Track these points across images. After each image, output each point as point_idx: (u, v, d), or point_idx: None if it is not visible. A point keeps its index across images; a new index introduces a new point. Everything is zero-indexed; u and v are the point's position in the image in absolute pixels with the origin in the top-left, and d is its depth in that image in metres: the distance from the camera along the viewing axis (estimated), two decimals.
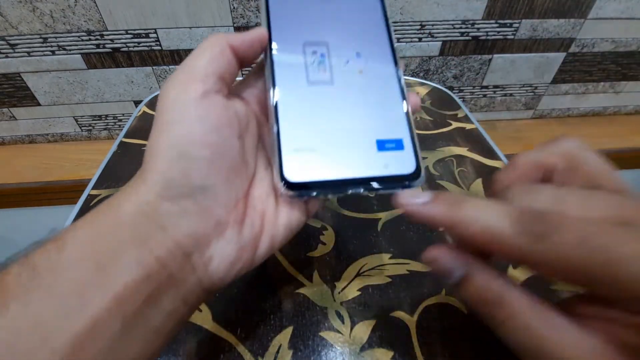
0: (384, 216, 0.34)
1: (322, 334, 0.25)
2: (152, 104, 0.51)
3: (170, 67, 0.64)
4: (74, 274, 0.14)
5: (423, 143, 0.44)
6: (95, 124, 0.72)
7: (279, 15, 0.22)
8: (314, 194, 0.19)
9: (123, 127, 0.52)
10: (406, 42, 0.65)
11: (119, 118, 0.71)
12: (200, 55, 0.18)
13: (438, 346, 0.25)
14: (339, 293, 0.28)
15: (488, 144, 0.44)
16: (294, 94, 0.21)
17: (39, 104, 0.67)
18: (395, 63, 0.23)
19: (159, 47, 0.61)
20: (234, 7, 0.58)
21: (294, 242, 0.26)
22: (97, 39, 0.59)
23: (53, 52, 0.60)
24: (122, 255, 0.15)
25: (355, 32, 0.23)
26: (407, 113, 0.22)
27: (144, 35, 0.60)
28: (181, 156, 0.17)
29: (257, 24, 0.60)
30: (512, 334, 0.16)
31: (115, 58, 0.62)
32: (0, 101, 0.66)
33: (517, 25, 0.64)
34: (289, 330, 0.25)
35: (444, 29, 0.64)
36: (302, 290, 0.28)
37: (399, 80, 0.23)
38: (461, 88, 0.73)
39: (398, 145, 0.21)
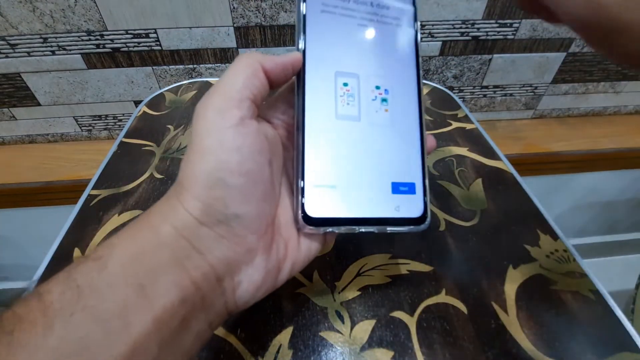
0: None
1: (322, 334, 0.25)
2: (152, 104, 0.51)
3: (170, 67, 0.64)
4: (116, 295, 0.14)
5: None
6: (95, 124, 0.72)
7: (315, 38, 0.22)
8: (329, 229, 0.20)
9: (123, 127, 0.52)
10: None
11: (119, 118, 0.71)
12: (236, 77, 0.19)
13: (438, 346, 0.25)
14: (339, 293, 0.28)
15: (488, 144, 0.44)
16: (321, 127, 0.21)
17: (39, 104, 0.67)
18: (420, 104, 0.23)
19: (159, 47, 0.61)
20: (234, 7, 0.58)
21: None
22: (97, 39, 0.59)
23: (53, 52, 0.60)
24: (161, 276, 0.15)
25: (387, 65, 0.23)
26: (422, 157, 0.23)
27: (144, 35, 0.60)
28: (218, 184, 0.17)
29: (257, 24, 0.60)
30: None
31: (115, 58, 0.62)
32: (0, 101, 0.66)
33: (517, 25, 0.64)
34: (289, 330, 0.25)
35: (444, 29, 0.64)
36: (302, 290, 0.28)
37: (421, 122, 0.23)
38: (461, 88, 0.73)
39: (410, 189, 0.22)
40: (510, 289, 0.29)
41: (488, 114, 0.79)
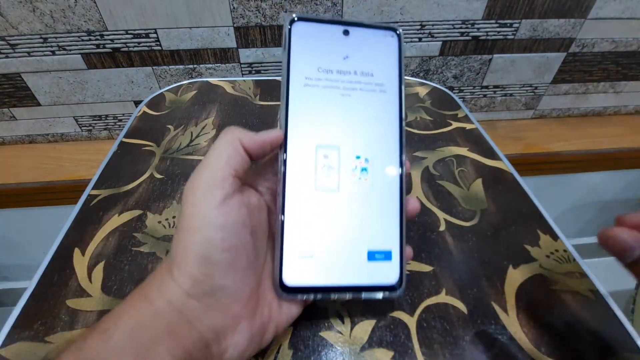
0: None
1: (322, 334, 0.25)
2: (152, 104, 0.51)
3: (170, 67, 0.64)
4: None
5: (423, 143, 0.44)
6: (95, 124, 0.72)
7: (297, 113, 0.22)
8: (304, 296, 0.22)
9: (123, 127, 0.52)
10: (406, 42, 0.65)
11: (119, 118, 0.71)
12: (219, 157, 0.21)
13: (438, 346, 0.25)
14: None
15: (488, 144, 0.44)
16: (300, 199, 0.22)
17: (39, 104, 0.67)
18: (402, 169, 0.24)
19: (159, 47, 0.61)
20: (234, 7, 0.58)
21: None
22: (97, 39, 0.59)
23: (53, 52, 0.60)
24: (157, 346, 0.17)
25: (369, 133, 0.23)
26: (401, 224, 0.23)
27: (144, 35, 0.60)
28: (205, 261, 0.19)
29: (257, 24, 0.60)
30: None
31: (115, 58, 0.62)
32: (0, 101, 0.66)
33: (517, 25, 0.64)
34: (289, 330, 0.25)
35: (444, 29, 0.64)
36: None
37: (401, 188, 0.23)
38: (461, 88, 0.73)
39: (387, 256, 0.23)
40: (510, 289, 0.29)
41: (488, 114, 0.79)
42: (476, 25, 0.64)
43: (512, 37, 0.66)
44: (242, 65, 0.66)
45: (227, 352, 0.19)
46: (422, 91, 0.55)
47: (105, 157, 0.42)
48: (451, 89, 0.73)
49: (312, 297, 0.22)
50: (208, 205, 0.19)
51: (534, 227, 0.34)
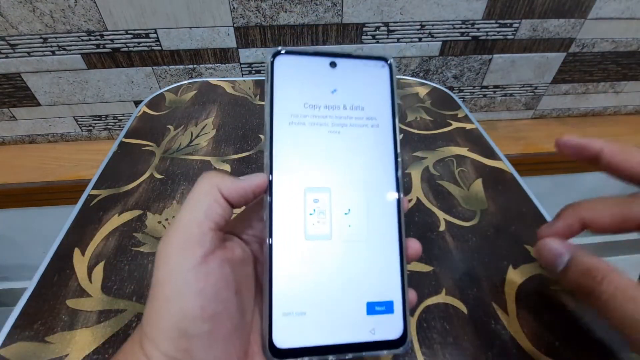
0: None
1: None
2: (152, 104, 0.51)
3: (170, 67, 0.64)
4: None
5: (423, 143, 0.44)
6: (95, 124, 0.72)
7: (283, 154, 0.20)
8: (299, 359, 0.19)
9: (123, 127, 0.52)
10: (406, 42, 0.65)
11: (119, 118, 0.71)
12: (196, 209, 0.18)
13: (438, 346, 0.25)
14: None
15: (488, 144, 0.44)
16: (289, 250, 0.20)
17: (39, 104, 0.67)
18: (399, 209, 0.21)
19: (159, 47, 0.61)
20: (234, 7, 0.58)
21: None
22: (97, 39, 0.59)
23: (53, 52, 0.60)
24: None
25: (362, 173, 0.21)
26: (402, 270, 0.21)
27: (144, 35, 0.60)
28: (182, 335, 0.16)
29: (257, 24, 0.60)
30: (619, 306, 0.18)
31: (115, 58, 0.62)
32: (0, 101, 0.66)
33: (517, 25, 0.64)
34: None
35: (444, 29, 0.64)
36: None
37: (400, 230, 0.21)
38: (461, 88, 0.73)
39: (388, 308, 0.20)
40: (510, 289, 0.29)
41: (488, 114, 0.79)
42: (476, 25, 0.64)
43: (512, 37, 0.66)
44: (242, 65, 0.66)
45: None
46: (422, 91, 0.55)
47: (105, 157, 0.42)
48: (451, 89, 0.73)
49: (306, 357, 0.19)
50: (184, 268, 0.17)
51: (534, 227, 0.34)
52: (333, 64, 0.22)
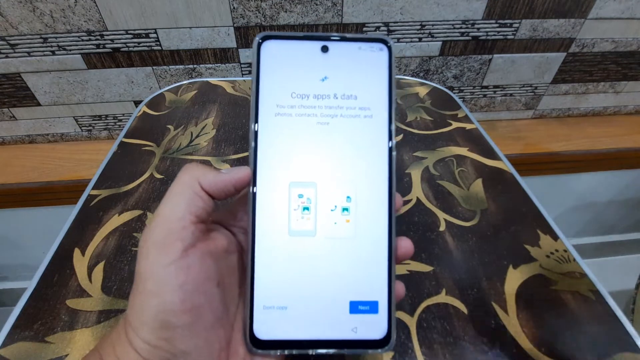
0: None
1: None
2: (152, 104, 0.51)
3: (170, 67, 0.64)
4: None
5: (423, 143, 0.44)
6: (95, 124, 0.72)
7: (267, 146, 0.20)
8: (279, 352, 0.19)
9: (123, 127, 0.52)
10: (406, 42, 0.65)
11: (119, 118, 0.71)
12: (177, 203, 0.18)
13: (438, 346, 0.25)
14: None
15: (488, 144, 0.44)
16: (272, 245, 0.20)
17: (39, 104, 0.67)
18: (390, 206, 0.20)
19: (159, 47, 0.61)
20: (234, 7, 0.58)
21: None
22: (97, 39, 0.59)
23: (53, 52, 0.60)
24: None
25: (352, 167, 0.20)
26: (390, 270, 0.20)
27: (144, 35, 0.60)
28: (164, 326, 0.17)
29: (257, 24, 0.60)
30: None
31: (115, 58, 0.62)
32: (0, 101, 0.66)
33: (517, 25, 0.64)
34: None
35: (444, 29, 0.64)
36: None
37: (390, 229, 0.20)
38: (461, 88, 0.73)
39: (372, 308, 0.20)
40: (510, 289, 0.29)
41: (488, 114, 0.79)
42: (476, 25, 0.64)
43: (512, 37, 0.66)
44: (242, 65, 0.66)
45: None
46: (422, 91, 0.55)
47: (105, 157, 0.42)
48: (451, 89, 0.73)
49: (287, 352, 0.19)
50: (164, 262, 0.17)
51: (534, 227, 0.34)
52: (325, 48, 0.20)
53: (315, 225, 0.20)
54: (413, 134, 0.45)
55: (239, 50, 0.63)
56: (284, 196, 0.20)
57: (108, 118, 0.71)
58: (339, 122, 0.20)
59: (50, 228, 0.75)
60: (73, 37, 0.59)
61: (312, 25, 0.61)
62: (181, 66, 0.64)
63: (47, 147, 0.73)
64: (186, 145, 0.43)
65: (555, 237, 0.33)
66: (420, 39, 0.65)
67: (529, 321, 0.27)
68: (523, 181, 0.39)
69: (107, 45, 0.60)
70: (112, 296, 0.28)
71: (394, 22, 0.62)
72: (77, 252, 0.31)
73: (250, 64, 0.66)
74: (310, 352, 0.20)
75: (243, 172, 0.20)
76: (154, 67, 0.64)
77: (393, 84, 0.21)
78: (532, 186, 0.38)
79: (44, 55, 0.60)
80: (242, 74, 0.67)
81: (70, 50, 0.60)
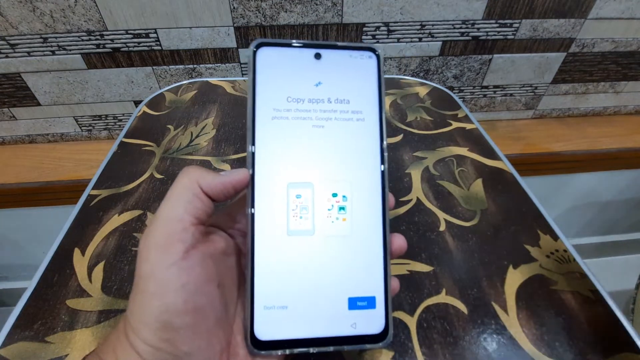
0: None
1: None
2: (152, 104, 0.51)
3: (170, 67, 0.64)
4: None
5: (423, 143, 0.44)
6: (95, 124, 0.72)
7: (265, 149, 0.20)
8: (280, 352, 0.20)
9: (123, 127, 0.52)
10: (406, 42, 0.65)
11: (119, 118, 0.71)
12: (176, 205, 0.18)
13: (438, 346, 0.25)
14: None
15: (488, 144, 0.44)
16: (271, 245, 0.20)
17: (39, 104, 0.67)
18: (384, 205, 0.21)
19: (159, 47, 0.61)
20: (234, 7, 0.58)
21: None
22: (97, 39, 0.59)
23: (53, 52, 0.60)
24: None
25: (346, 168, 0.21)
26: (385, 266, 0.21)
27: (144, 35, 0.60)
28: (166, 327, 0.17)
29: (257, 24, 0.60)
30: None
31: (115, 58, 0.62)
32: (0, 101, 0.66)
33: (517, 25, 0.64)
34: None
35: (444, 29, 0.64)
36: None
37: (385, 226, 0.21)
38: (461, 88, 0.73)
39: (370, 303, 0.21)
40: (510, 289, 0.29)
41: (488, 114, 0.79)
42: (476, 25, 0.64)
43: (512, 37, 0.66)
44: (242, 65, 0.66)
45: None
46: (422, 91, 0.55)
47: (105, 157, 0.42)
48: (451, 89, 0.73)
49: (288, 352, 0.20)
50: (166, 264, 0.17)
51: (534, 227, 0.34)
52: (318, 56, 0.21)
53: (313, 225, 0.21)
54: (413, 134, 0.45)
55: (239, 50, 0.63)
56: (282, 197, 0.20)
57: (108, 118, 0.71)
58: (333, 125, 0.21)
59: (50, 228, 0.75)
60: (73, 37, 0.59)
61: (312, 25, 0.61)
62: (181, 66, 0.64)
63: (47, 147, 0.73)
64: (186, 145, 0.43)
65: (555, 237, 0.33)
66: (420, 39, 0.65)
67: (529, 321, 0.27)
68: (523, 181, 0.39)
69: (107, 45, 0.60)
70: (112, 296, 0.28)
71: (394, 22, 0.62)
72: (77, 252, 0.31)
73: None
74: (312, 350, 0.20)
75: (242, 173, 0.20)
76: (154, 67, 0.64)
77: (382, 89, 0.22)
78: (532, 186, 0.38)
79: (44, 55, 0.60)
80: (242, 74, 0.67)
81: (70, 50, 0.60)
